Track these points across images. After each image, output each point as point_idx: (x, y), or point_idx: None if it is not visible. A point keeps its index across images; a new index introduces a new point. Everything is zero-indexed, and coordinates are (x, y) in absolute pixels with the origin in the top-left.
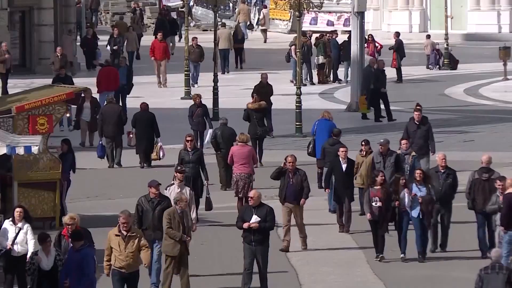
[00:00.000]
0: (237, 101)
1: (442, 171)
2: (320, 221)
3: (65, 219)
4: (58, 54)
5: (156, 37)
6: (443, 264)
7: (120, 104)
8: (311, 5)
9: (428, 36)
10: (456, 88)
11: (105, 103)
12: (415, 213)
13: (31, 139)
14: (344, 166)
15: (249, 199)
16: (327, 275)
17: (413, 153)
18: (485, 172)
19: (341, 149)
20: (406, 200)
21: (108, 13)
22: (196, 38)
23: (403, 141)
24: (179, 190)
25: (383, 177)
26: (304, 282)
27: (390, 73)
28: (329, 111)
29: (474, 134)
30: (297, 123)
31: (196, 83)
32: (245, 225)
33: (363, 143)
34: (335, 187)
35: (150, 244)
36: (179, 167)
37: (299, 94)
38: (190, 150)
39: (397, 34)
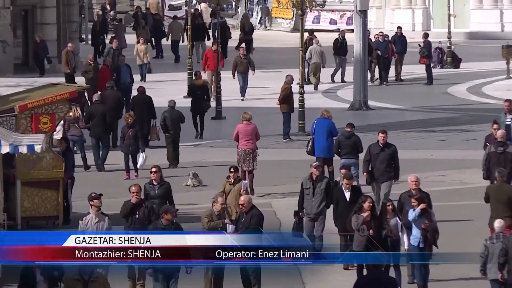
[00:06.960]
0: (240, 100)
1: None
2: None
3: None
4: (91, 62)
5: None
6: (445, 264)
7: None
8: (313, 3)
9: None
10: (459, 86)
11: (107, 87)
12: (414, 241)
13: (34, 138)
14: (347, 195)
15: (241, 206)
16: (330, 274)
17: None
18: (501, 145)
19: (345, 181)
20: (411, 216)
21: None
22: (243, 47)
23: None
24: (96, 220)
25: (371, 203)
26: (307, 281)
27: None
28: (328, 110)
29: (477, 133)
30: (300, 122)
31: (244, 95)
32: None
33: (231, 170)
34: (339, 216)
35: (161, 277)
36: (93, 194)
37: (302, 93)
38: (155, 184)
39: (426, 35)
